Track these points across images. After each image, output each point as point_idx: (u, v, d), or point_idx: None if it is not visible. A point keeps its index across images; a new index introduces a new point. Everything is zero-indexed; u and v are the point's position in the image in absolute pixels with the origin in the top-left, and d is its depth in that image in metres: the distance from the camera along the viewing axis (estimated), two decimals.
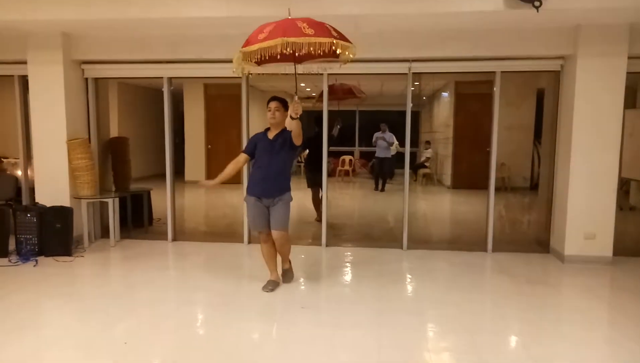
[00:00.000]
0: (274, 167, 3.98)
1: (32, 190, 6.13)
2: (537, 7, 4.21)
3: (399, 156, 10.94)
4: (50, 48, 5.47)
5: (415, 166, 12.88)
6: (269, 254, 4.19)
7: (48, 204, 5.37)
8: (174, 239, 6.02)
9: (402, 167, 5.97)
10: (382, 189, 11.14)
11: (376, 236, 6.80)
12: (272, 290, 4.08)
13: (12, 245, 5.23)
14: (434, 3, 4.46)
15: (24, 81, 5.98)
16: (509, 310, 3.85)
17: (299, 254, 5.43)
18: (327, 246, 5.78)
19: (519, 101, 10.67)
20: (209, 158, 11.56)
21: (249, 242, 5.85)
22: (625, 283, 4.58)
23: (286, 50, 3.34)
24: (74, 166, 5.54)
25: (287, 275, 4.35)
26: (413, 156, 13.93)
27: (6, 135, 7.55)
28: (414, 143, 15.22)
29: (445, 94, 11.61)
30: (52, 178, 5.57)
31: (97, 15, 4.82)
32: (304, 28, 3.33)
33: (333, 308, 3.91)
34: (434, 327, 3.50)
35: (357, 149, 15.04)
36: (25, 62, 5.58)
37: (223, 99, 11.31)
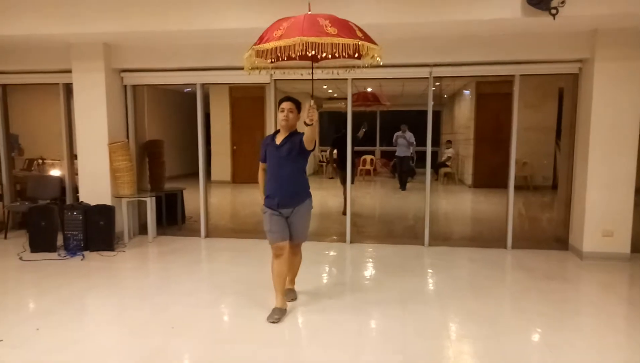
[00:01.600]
0: (286, 174, 3.60)
1: (74, 190, 6.60)
2: (553, 15, 4.41)
3: (421, 155, 11.21)
4: (93, 58, 5.88)
5: (437, 165, 13.05)
6: (281, 273, 3.67)
7: (91, 203, 5.78)
8: (207, 235, 6.37)
9: (423, 166, 6.17)
10: (404, 188, 11.37)
11: (398, 233, 7.04)
12: (278, 320, 3.56)
13: (59, 240, 5.66)
14: (455, 12, 4.69)
15: (67, 88, 6.42)
16: (526, 303, 4.06)
17: (325, 250, 5.73)
18: (351, 242, 6.05)
19: (540, 102, 10.74)
20: (234, 158, 11.94)
21: None
22: None
23: (305, 51, 3.02)
24: (115, 167, 5.94)
25: (290, 295, 3.99)
26: (435, 155, 14.11)
27: (47, 138, 8.07)
28: (436, 142, 15.38)
29: (467, 92, 11.75)
30: (95, 179, 5.98)
31: (136, 27, 5.20)
32: (325, 26, 3.04)
33: (359, 299, 4.17)
34: (454, 317, 3.74)
35: (378, 149, 15.28)
36: (68, 71, 6.01)
37: (248, 101, 11.67)
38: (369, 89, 11.98)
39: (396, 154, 11.60)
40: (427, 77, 5.74)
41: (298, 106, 3.69)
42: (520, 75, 5.61)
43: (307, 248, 4.04)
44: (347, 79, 5.94)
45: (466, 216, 8.74)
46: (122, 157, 5.93)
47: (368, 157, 13.73)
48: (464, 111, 12.89)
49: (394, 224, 7.70)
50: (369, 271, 5.06)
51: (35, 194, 6.44)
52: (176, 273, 4.86)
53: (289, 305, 3.86)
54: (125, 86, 6.30)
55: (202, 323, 3.61)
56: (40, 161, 8.15)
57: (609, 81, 5.09)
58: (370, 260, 5.43)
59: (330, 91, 13.66)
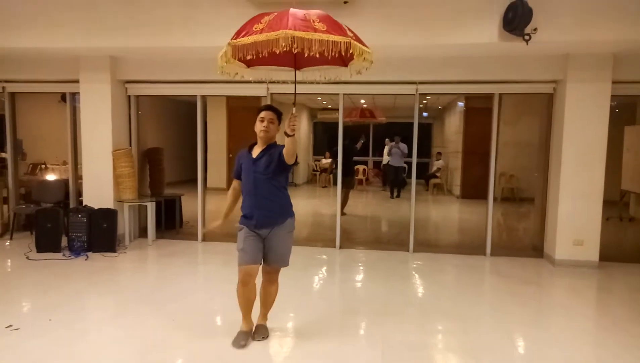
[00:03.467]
0: (263, 191, 3.24)
1: (77, 194, 6.92)
2: (526, 41, 4.83)
3: (423, 165, 11.90)
4: (99, 70, 6.23)
5: (427, 177, 13.48)
6: (248, 300, 3.38)
7: (95, 207, 6.10)
8: (204, 239, 6.70)
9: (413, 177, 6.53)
10: (398, 196, 11.83)
11: (385, 240, 7.40)
12: (244, 346, 3.32)
13: (63, 242, 5.96)
14: (438, 36, 5.09)
15: (72, 97, 6.77)
16: (499, 304, 4.44)
17: (316, 255, 6.07)
18: (340, 248, 6.40)
19: (525, 118, 11.21)
20: (230, 166, 12.28)
21: None
22: (607, 284, 5.13)
23: (291, 47, 2.64)
24: (118, 173, 6.27)
25: (260, 332, 3.50)
26: (425, 166, 14.54)
27: (48, 144, 8.42)
28: (426, 153, 15.85)
29: (461, 103, 12.16)
30: (99, 183, 6.30)
31: (142, 43, 5.56)
32: (313, 21, 2.73)
33: (346, 299, 4.52)
34: (431, 315, 4.10)
35: (370, 159, 15.70)
36: (74, 81, 6.36)
37: (244, 111, 12.03)
38: (362, 101, 12.48)
39: (390, 163, 12.07)
40: (414, 94, 6.13)
41: (280, 116, 3.34)
42: (500, 93, 6.03)
43: (297, 253, 4.29)
44: (338, 94, 6.33)
45: (450, 225, 9.12)
46: (125, 164, 6.27)
47: (361, 167, 14.14)
48: (454, 124, 13.33)
49: (381, 232, 8.06)
50: (356, 274, 5.41)
51: (40, 198, 6.76)
52: (174, 274, 5.18)
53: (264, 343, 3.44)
54: (129, 96, 6.65)
55: (199, 318, 3.94)
56: (43, 165, 8.48)
57: (580, 100, 5.51)
58: (358, 264, 5.77)
59: (324, 102, 14.11)
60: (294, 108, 2.97)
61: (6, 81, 6.78)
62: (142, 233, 6.71)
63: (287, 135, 2.99)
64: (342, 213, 7.32)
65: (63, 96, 6.99)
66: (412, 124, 6.22)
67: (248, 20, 2.94)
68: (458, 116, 12.61)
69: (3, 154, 9.24)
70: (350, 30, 2.92)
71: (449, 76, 5.91)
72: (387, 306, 4.29)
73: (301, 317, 4.00)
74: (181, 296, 4.47)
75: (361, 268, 5.62)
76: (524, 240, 7.41)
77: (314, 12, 2.82)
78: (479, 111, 11.47)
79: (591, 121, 5.51)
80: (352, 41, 2.79)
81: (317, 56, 2.75)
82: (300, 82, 5.73)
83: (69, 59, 6.28)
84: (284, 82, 5.65)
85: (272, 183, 3.26)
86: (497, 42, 4.95)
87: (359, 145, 10.23)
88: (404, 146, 11.76)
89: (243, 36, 2.78)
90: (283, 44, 2.63)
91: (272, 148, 3.28)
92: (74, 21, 5.54)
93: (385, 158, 13.53)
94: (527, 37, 4.83)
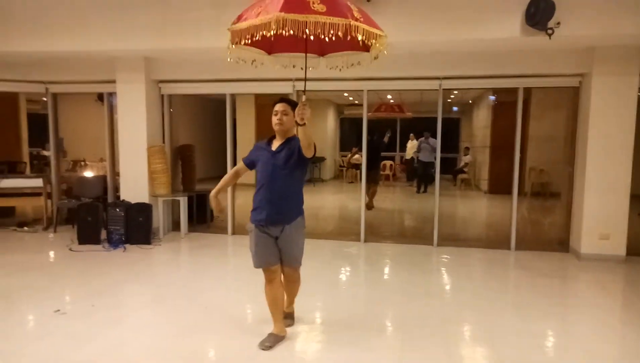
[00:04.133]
0: (280, 186, 3.17)
1: (114, 189, 7.30)
2: (549, 35, 4.83)
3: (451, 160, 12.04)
4: (134, 70, 6.55)
5: (455, 172, 13.43)
6: (275, 299, 3.36)
7: (132, 201, 6.43)
8: (233, 233, 6.97)
9: (442, 172, 6.61)
10: (425, 191, 11.88)
11: (410, 234, 7.50)
12: (270, 348, 3.27)
13: (103, 234, 6.32)
14: (461, 31, 5.14)
15: (109, 96, 7.13)
16: (520, 297, 4.51)
17: (342, 248, 6.24)
18: (365, 242, 6.55)
19: (556, 112, 11.04)
20: None
21: None
22: (633, 278, 5.10)
23: (285, 30, 2.53)
24: (152, 169, 6.59)
25: (286, 320, 3.57)
26: (453, 161, 14.48)
27: (87, 142, 8.88)
28: (454, 148, 15.76)
29: (492, 97, 12.06)
30: (135, 179, 6.64)
31: (174, 44, 5.82)
32: (312, 3, 2.59)
33: (372, 288, 4.68)
34: (452, 306, 4.21)
35: (398, 155, 15.72)
36: (111, 81, 6.71)
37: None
38: (389, 96, 12.53)
39: (419, 158, 12.14)
40: (437, 90, 6.20)
41: (294, 107, 3.11)
42: (524, 87, 6.03)
43: (323, 246, 4.44)
44: (362, 90, 6.46)
45: (476, 219, 9.13)
46: (158, 160, 6.58)
47: (387, 162, 14.18)
48: (482, 118, 13.23)
49: (406, 226, 8.16)
50: (381, 266, 5.55)
51: (80, 193, 7.16)
52: (206, 265, 5.45)
53: (288, 330, 3.50)
54: (162, 95, 6.96)
55: (232, 306, 4.17)
56: (83, 162, 8.94)
57: (606, 93, 5.47)
58: (383, 257, 5.91)
59: (351, 98, 14.21)
60: (303, 96, 2.88)
61: (49, 82, 7.20)
62: (175, 226, 7.02)
63: (298, 124, 2.88)
64: (370, 207, 7.49)
65: (99, 96, 7.37)
66: (443, 118, 6.28)
67: (250, 4, 2.85)
68: (486, 110, 12.51)
69: (45, 152, 9.82)
70: (361, 12, 2.77)
71: (472, 71, 5.96)
72: (409, 297, 4.42)
73: (325, 306, 4.19)
74: (213, 286, 4.72)
75: (384, 261, 5.75)
76: (550, 234, 7.38)
77: None
78: (507, 105, 11.35)
79: (617, 115, 5.47)
80: (352, 22, 2.61)
81: (312, 37, 2.68)
82: (324, 79, 5.94)
83: (106, 61, 6.62)
84: (310, 79, 5.87)
85: (290, 177, 3.18)
86: (520, 36, 4.98)
87: (386, 139, 10.34)
88: (433, 141, 11.75)
89: (242, 20, 2.75)
90: (274, 27, 2.53)
91: (291, 141, 3.21)
92: (110, 25, 5.85)
93: (409, 153, 13.59)
94: (550, 32, 4.83)
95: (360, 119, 6.58)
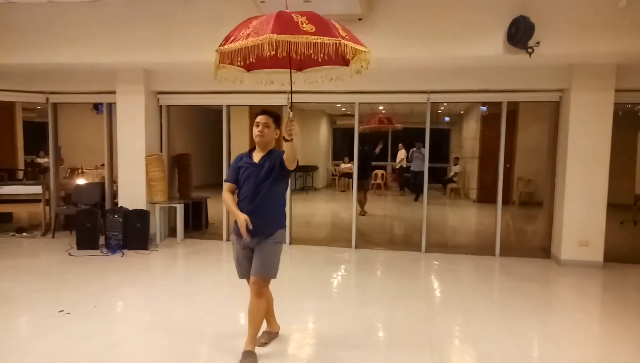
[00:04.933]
0: (262, 198, 3.15)
1: (112, 196, 7.48)
2: (529, 53, 5.15)
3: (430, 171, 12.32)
4: (134, 82, 6.78)
5: (445, 181, 13.75)
6: (255, 311, 3.29)
7: (129, 208, 6.63)
8: (228, 239, 7.17)
9: (432, 182, 6.88)
10: (416, 199, 12.20)
11: (399, 240, 7.75)
12: (265, 344, 3.45)
13: (101, 240, 6.50)
14: (448, 49, 5.43)
15: (108, 107, 7.35)
16: (501, 299, 4.75)
17: (332, 254, 6.46)
18: (356, 248, 6.78)
19: (542, 125, 11.40)
20: None
21: (290, 243, 6.94)
22: (609, 283, 5.38)
23: (277, 51, 2.61)
24: (150, 177, 6.80)
25: (247, 358, 3.19)
26: (443, 171, 14.80)
27: (84, 150, 9.07)
28: (444, 158, 16.09)
29: (484, 108, 12.36)
30: (133, 186, 6.84)
31: (174, 58, 6.07)
32: (301, 23, 2.67)
33: (359, 291, 4.91)
34: (437, 307, 4.45)
35: (389, 164, 16.02)
36: (111, 92, 6.93)
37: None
38: (381, 107, 12.85)
39: (411, 168, 12.53)
40: (426, 103, 6.49)
41: (276, 120, 3.27)
42: (508, 101, 6.34)
43: (316, 251, 4.59)
44: (354, 103, 6.73)
45: (463, 227, 9.39)
46: (156, 168, 6.79)
47: (379, 172, 14.46)
48: (471, 129, 13.57)
49: (395, 233, 8.41)
50: (370, 271, 5.78)
51: (78, 200, 7.34)
52: (201, 270, 5.65)
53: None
54: (160, 106, 7.19)
55: (226, 309, 4.38)
56: (79, 170, 9.12)
57: (584, 108, 5.79)
58: (372, 262, 6.14)
59: (343, 109, 14.51)
60: (290, 112, 2.92)
61: (50, 93, 7.40)
62: (172, 232, 7.21)
63: (285, 140, 2.93)
64: (363, 213, 7.76)
65: (95, 105, 7.58)
66: (432, 129, 6.56)
67: (238, 24, 2.92)
68: (475, 122, 12.85)
69: (39, 160, 9.99)
70: (345, 29, 2.86)
71: (459, 86, 6.26)
72: (396, 299, 4.65)
73: (317, 308, 4.41)
74: (207, 289, 4.92)
75: (373, 266, 5.99)
76: (533, 241, 7.66)
77: (303, 14, 2.74)
78: (495, 116, 11.69)
79: (595, 128, 5.78)
80: (342, 41, 2.72)
81: (303, 57, 2.73)
82: (316, 92, 6.20)
83: (106, 72, 6.84)
84: (304, 92, 6.14)
85: (272, 190, 3.17)
86: (502, 54, 5.28)
87: (377, 150, 10.68)
88: (425, 151, 12.16)
89: (231, 42, 2.78)
90: (267, 49, 2.58)
91: (272, 153, 3.23)
92: (111, 38, 6.09)
93: (398, 162, 13.94)
94: (530, 50, 5.15)
95: (352, 129, 6.85)
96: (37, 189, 7.29)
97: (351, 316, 4.21)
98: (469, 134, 13.85)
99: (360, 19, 5.45)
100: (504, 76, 6.09)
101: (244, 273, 3.34)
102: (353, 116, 6.86)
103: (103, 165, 7.82)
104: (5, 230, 7.42)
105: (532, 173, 11.33)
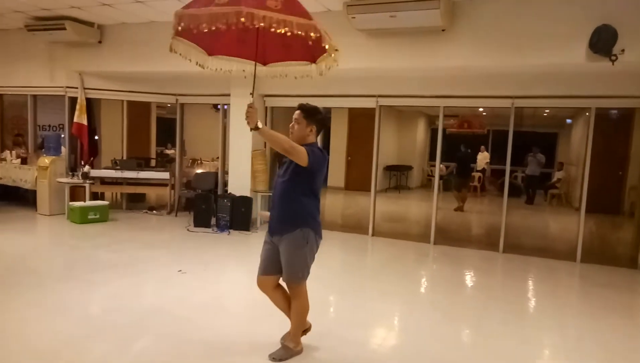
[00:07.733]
0: (280, 195, 3.12)
1: (223, 183, 8.70)
2: (613, 61, 5.18)
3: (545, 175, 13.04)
4: (246, 86, 7.78)
5: (546, 187, 13.28)
6: (277, 304, 3.33)
7: (237, 194, 7.73)
8: None
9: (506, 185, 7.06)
10: (531, 202, 12.39)
11: (478, 239, 7.98)
12: (275, 360, 3.22)
13: (212, 220, 7.70)
14: (531, 56, 5.60)
15: (223, 107, 8.57)
16: (566, 300, 4.94)
17: (411, 249, 6.96)
18: (434, 244, 7.19)
19: None
20: (348, 168, 13.49)
21: (373, 234, 7.56)
22: None
23: (245, 22, 2.46)
24: (254, 169, 7.85)
25: (276, 351, 3.23)
26: (547, 176, 14.24)
27: (202, 143, 10.50)
28: (549, 164, 15.40)
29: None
30: (240, 176, 7.95)
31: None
32: (273, 5, 2.58)
33: (439, 285, 5.39)
34: (495, 305, 4.80)
35: (488, 167, 15.77)
36: (226, 95, 8.09)
37: (363, 117, 13.13)
38: (481, 109, 12.84)
39: (526, 173, 12.76)
40: (509, 107, 6.68)
41: (310, 114, 3.15)
42: (596, 108, 6.31)
43: (392, 244, 5.10)
44: (439, 106, 7.13)
45: (549, 232, 9.22)
46: (260, 162, 7.83)
47: (476, 174, 14.32)
48: (579, 134, 12.94)
49: (475, 232, 8.60)
50: (445, 265, 6.20)
51: (197, 185, 8.66)
52: None
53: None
54: (266, 108, 8.23)
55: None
56: (199, 161, 10.60)
57: None
58: (451, 258, 6.54)
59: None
60: (251, 98, 2.87)
61: (179, 95, 8.83)
62: None
63: (251, 129, 2.85)
64: (461, 210, 8.31)
65: (215, 105, 8.83)
66: (539, 133, 6.75)
67: None
68: (583, 126, 12.27)
69: (167, 151, 11.74)
70: (319, 23, 2.75)
71: (543, 91, 6.37)
72: (458, 297, 5.07)
73: (397, 289, 5.01)
74: None
75: (449, 261, 6.39)
76: (619, 249, 7.43)
77: None
78: (612, 121, 11.05)
79: None
80: (318, 28, 2.64)
81: (279, 36, 2.64)
82: (404, 96, 6.65)
83: (223, 78, 8.00)
84: (391, 96, 6.74)
85: (288, 186, 3.08)
86: (585, 62, 5.37)
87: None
88: (541, 156, 12.47)
89: (195, 7, 2.63)
90: (235, 20, 2.47)
91: None
92: None
93: (480, 164, 13.94)
94: (613, 58, 5.18)
95: (453, 133, 7.21)
96: (165, 175, 8.73)
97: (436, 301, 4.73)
98: (577, 138, 13.21)
99: (443, 30, 5.87)
100: (590, 82, 6.09)
101: (262, 269, 3.23)
102: (451, 116, 7.20)
103: (218, 157, 9.10)
104: (140, 207, 9.01)
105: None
